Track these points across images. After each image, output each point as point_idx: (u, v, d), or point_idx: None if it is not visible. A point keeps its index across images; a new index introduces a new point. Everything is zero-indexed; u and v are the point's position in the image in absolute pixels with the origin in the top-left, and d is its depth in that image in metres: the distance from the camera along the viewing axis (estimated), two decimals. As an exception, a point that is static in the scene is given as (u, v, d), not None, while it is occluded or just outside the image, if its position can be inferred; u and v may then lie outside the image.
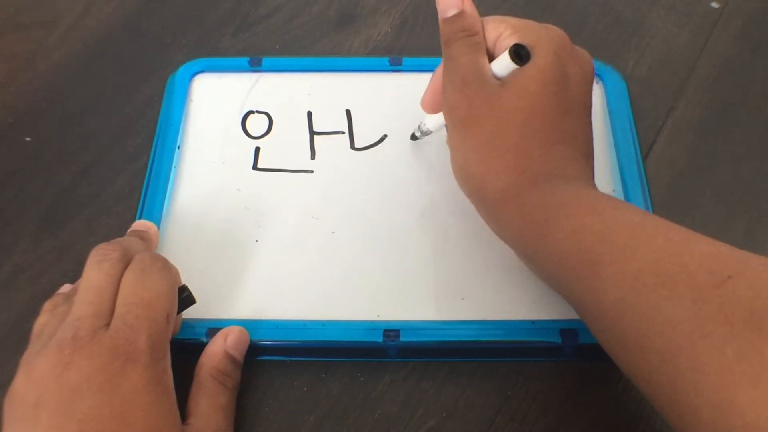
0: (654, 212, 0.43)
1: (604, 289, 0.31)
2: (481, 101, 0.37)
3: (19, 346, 0.34)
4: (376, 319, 0.39)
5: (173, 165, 0.45)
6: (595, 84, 0.43)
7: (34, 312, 0.36)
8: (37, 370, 0.31)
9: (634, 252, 0.31)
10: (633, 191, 0.44)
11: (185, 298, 0.36)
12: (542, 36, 0.37)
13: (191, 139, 0.47)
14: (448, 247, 0.42)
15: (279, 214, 0.44)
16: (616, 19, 0.55)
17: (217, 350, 0.37)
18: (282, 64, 0.51)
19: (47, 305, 0.36)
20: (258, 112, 0.48)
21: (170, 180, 0.45)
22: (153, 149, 0.46)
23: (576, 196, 0.35)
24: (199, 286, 0.37)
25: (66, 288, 0.38)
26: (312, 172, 0.45)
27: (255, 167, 0.46)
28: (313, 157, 0.46)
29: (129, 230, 0.41)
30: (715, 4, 0.55)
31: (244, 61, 0.50)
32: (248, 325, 0.39)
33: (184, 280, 0.37)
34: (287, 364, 0.39)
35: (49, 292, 0.38)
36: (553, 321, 0.39)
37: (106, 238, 0.37)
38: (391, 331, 0.38)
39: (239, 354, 0.38)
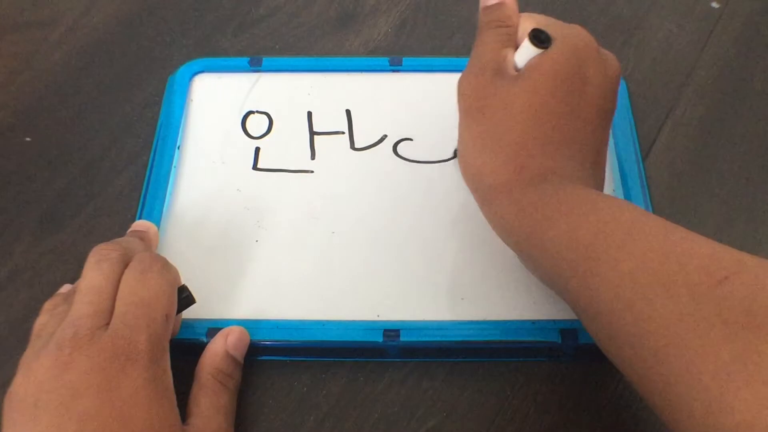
0: (654, 212, 0.43)
1: (599, 287, 0.31)
2: (491, 92, 0.36)
3: (19, 346, 0.34)
4: (376, 319, 0.39)
5: (173, 165, 0.45)
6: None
7: (34, 312, 0.36)
8: (36, 370, 0.31)
9: (631, 250, 0.30)
10: (633, 191, 0.44)
11: (185, 298, 0.36)
12: (564, 34, 0.37)
13: (191, 139, 0.47)
14: (448, 247, 0.42)
15: (279, 214, 0.44)
16: (616, 19, 0.55)
17: (217, 350, 0.37)
18: (282, 64, 0.51)
19: (47, 305, 0.36)
20: (258, 112, 0.48)
21: (170, 180, 0.45)
22: (153, 149, 0.46)
23: (573, 194, 0.34)
24: (199, 286, 0.37)
25: (66, 288, 0.38)
26: (312, 172, 0.45)
27: (255, 167, 0.46)
28: (313, 157, 0.46)
29: (129, 230, 0.41)
30: (715, 4, 0.55)
31: (244, 61, 0.50)
32: (248, 325, 0.39)
33: (184, 280, 0.37)
34: (287, 364, 0.39)
35: (49, 292, 0.38)
36: (553, 321, 0.39)
37: (106, 238, 0.37)
38: (391, 331, 0.38)
39: (240, 354, 0.38)
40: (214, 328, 0.38)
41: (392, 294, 0.40)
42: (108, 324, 0.33)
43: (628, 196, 0.43)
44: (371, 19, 0.55)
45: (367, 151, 0.46)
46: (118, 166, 0.47)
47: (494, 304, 0.40)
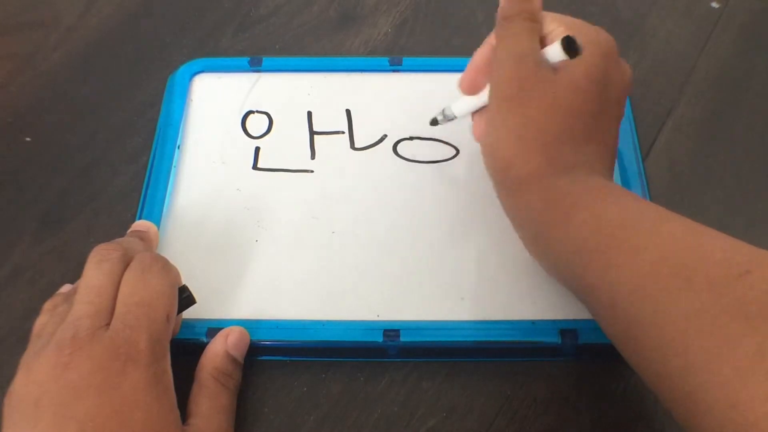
0: (654, 212, 0.43)
1: (619, 277, 0.31)
2: (533, 80, 0.37)
3: (19, 346, 0.34)
4: (376, 319, 0.39)
5: (173, 165, 0.45)
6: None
7: (34, 312, 0.36)
8: (36, 370, 0.31)
9: (653, 242, 0.31)
10: (633, 191, 0.44)
11: (185, 299, 0.36)
12: (594, 38, 0.38)
13: (191, 139, 0.47)
14: (448, 248, 0.42)
15: (279, 214, 0.44)
16: (616, 19, 0.55)
17: (218, 351, 0.37)
18: (282, 64, 0.51)
19: (47, 305, 0.36)
20: (258, 111, 0.48)
21: (170, 180, 0.45)
22: (153, 149, 0.46)
23: (599, 186, 0.35)
24: (199, 286, 0.37)
25: (66, 288, 0.38)
26: (312, 171, 0.45)
27: (255, 167, 0.46)
28: (313, 156, 0.46)
29: (129, 230, 0.41)
30: (715, 4, 0.55)
31: (244, 61, 0.50)
32: (248, 325, 0.39)
33: (184, 280, 0.37)
34: (287, 364, 0.39)
35: (49, 292, 0.38)
36: (553, 321, 0.39)
37: (106, 238, 0.37)
38: (391, 331, 0.38)
39: (240, 354, 0.38)
40: (214, 328, 0.38)
41: (392, 294, 0.40)
42: (108, 324, 0.33)
43: (628, 196, 0.43)
44: (371, 19, 0.55)
45: (367, 150, 0.46)
46: (118, 166, 0.47)
47: (494, 304, 0.40)
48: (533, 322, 0.39)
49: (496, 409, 0.38)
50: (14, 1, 0.56)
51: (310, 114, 0.48)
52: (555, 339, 0.38)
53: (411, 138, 0.47)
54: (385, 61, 0.50)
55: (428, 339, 0.39)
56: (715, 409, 0.27)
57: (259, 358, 0.39)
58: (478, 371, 0.39)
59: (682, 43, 0.53)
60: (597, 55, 0.37)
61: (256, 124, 0.48)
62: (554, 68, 0.37)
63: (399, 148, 0.46)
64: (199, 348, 0.37)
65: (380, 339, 0.38)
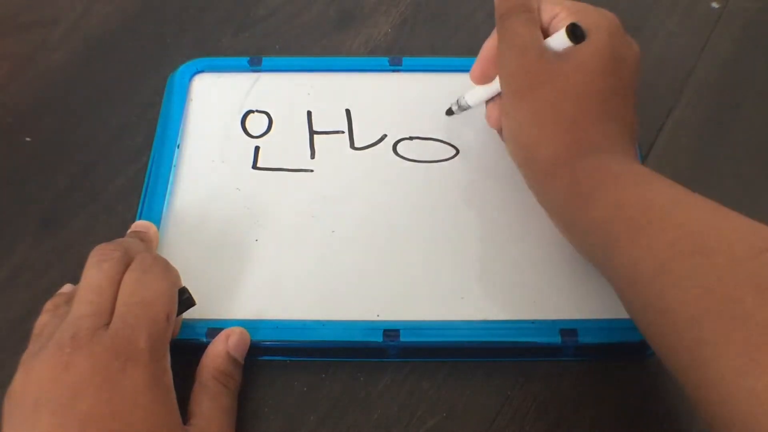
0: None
1: (642, 255, 0.32)
2: (540, 70, 0.38)
3: (19, 346, 0.34)
4: (376, 319, 0.39)
5: (173, 165, 0.45)
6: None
7: (34, 312, 0.36)
8: (36, 370, 0.31)
9: (675, 222, 0.32)
10: (633, 191, 0.44)
11: (185, 300, 0.36)
12: (598, 19, 0.38)
13: (191, 139, 0.47)
14: (448, 247, 0.42)
15: (279, 214, 0.43)
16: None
17: (219, 351, 0.37)
18: (282, 63, 0.51)
19: (48, 305, 0.36)
20: (258, 111, 0.48)
21: (170, 179, 0.45)
22: (153, 149, 0.46)
23: (623, 168, 0.36)
24: (198, 286, 0.37)
25: (67, 288, 0.38)
26: (312, 171, 0.45)
27: (255, 166, 0.46)
28: (312, 156, 0.46)
29: (129, 231, 0.41)
30: (715, 4, 0.55)
31: (243, 60, 0.50)
32: (248, 325, 0.39)
33: (184, 280, 0.37)
34: (287, 364, 0.39)
35: (49, 292, 0.38)
36: (553, 321, 0.39)
37: (107, 238, 0.37)
38: (391, 331, 0.38)
39: (240, 355, 0.38)
40: (214, 328, 0.38)
41: (392, 294, 0.40)
42: (109, 324, 0.33)
43: (628, 196, 0.43)
44: (371, 19, 0.55)
45: (367, 150, 0.46)
46: (118, 166, 0.47)
47: (494, 304, 0.40)
48: (533, 322, 0.39)
49: (496, 409, 0.38)
50: (14, 1, 0.56)
51: (309, 114, 0.48)
52: (555, 339, 0.38)
53: (411, 138, 0.47)
54: (385, 61, 0.50)
55: (428, 339, 0.39)
56: (725, 378, 0.27)
57: (260, 358, 0.39)
58: (478, 371, 0.39)
59: (682, 43, 0.53)
60: (603, 35, 0.38)
61: (256, 123, 0.48)
62: (559, 55, 0.38)
63: (399, 147, 0.46)
64: (199, 348, 0.37)
65: (380, 339, 0.38)
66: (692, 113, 0.49)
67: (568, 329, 0.38)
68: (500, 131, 0.42)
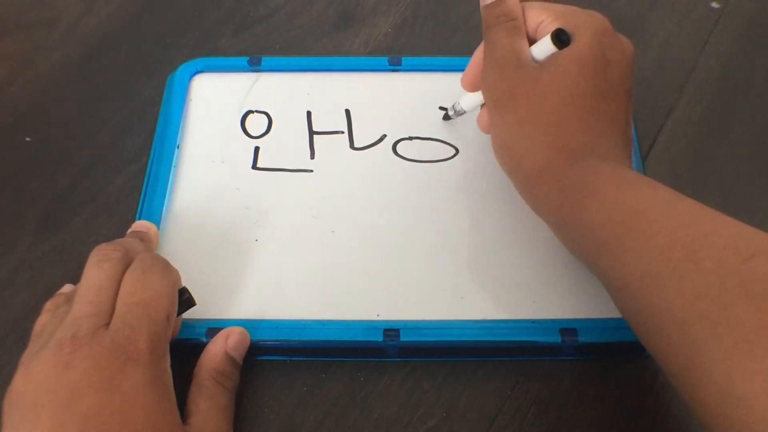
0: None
1: (631, 261, 0.32)
2: (518, 82, 0.38)
3: (19, 346, 0.34)
4: (376, 318, 0.39)
5: (173, 165, 0.45)
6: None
7: (34, 312, 0.36)
8: (36, 370, 0.31)
9: (664, 227, 0.32)
10: (633, 191, 0.44)
11: (185, 300, 0.36)
12: (584, 21, 0.38)
13: (191, 139, 0.47)
14: (448, 247, 0.42)
15: (278, 214, 0.43)
16: (616, 19, 0.54)
17: (217, 351, 0.37)
18: (281, 63, 0.51)
19: (48, 305, 0.36)
20: (257, 111, 0.48)
21: (170, 180, 0.45)
22: (153, 149, 0.46)
23: (612, 173, 0.36)
24: (198, 286, 0.37)
25: (67, 288, 0.38)
26: (311, 171, 0.45)
27: (254, 167, 0.46)
28: (312, 156, 0.46)
29: (129, 231, 0.41)
30: (715, 4, 0.55)
31: (243, 60, 0.50)
32: (248, 325, 0.39)
33: (184, 280, 0.37)
34: (287, 364, 0.39)
35: (49, 292, 0.38)
36: (553, 321, 0.39)
37: (106, 238, 0.37)
38: (391, 331, 0.38)
39: (239, 355, 0.38)
40: (213, 328, 0.38)
41: (392, 294, 0.40)
42: (109, 324, 0.33)
43: (628, 196, 0.43)
44: (371, 19, 0.55)
45: (367, 150, 0.46)
46: (118, 166, 0.47)
47: (494, 304, 0.40)
48: (533, 322, 0.39)
49: (496, 409, 0.38)
50: (14, 1, 0.56)
51: (309, 114, 0.48)
52: (555, 338, 0.38)
53: (410, 138, 0.47)
54: (384, 60, 0.50)
55: (428, 339, 0.39)
56: (714, 383, 0.27)
57: (259, 358, 0.39)
58: (478, 371, 0.39)
59: (682, 43, 0.53)
60: (587, 37, 0.37)
61: (256, 123, 0.48)
62: (542, 62, 0.38)
63: (398, 147, 0.46)
64: (198, 348, 0.37)
65: (380, 339, 0.38)
66: (692, 113, 0.49)
67: (568, 329, 0.38)
68: None
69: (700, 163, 0.47)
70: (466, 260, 0.41)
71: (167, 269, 0.36)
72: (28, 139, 0.49)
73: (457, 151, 0.46)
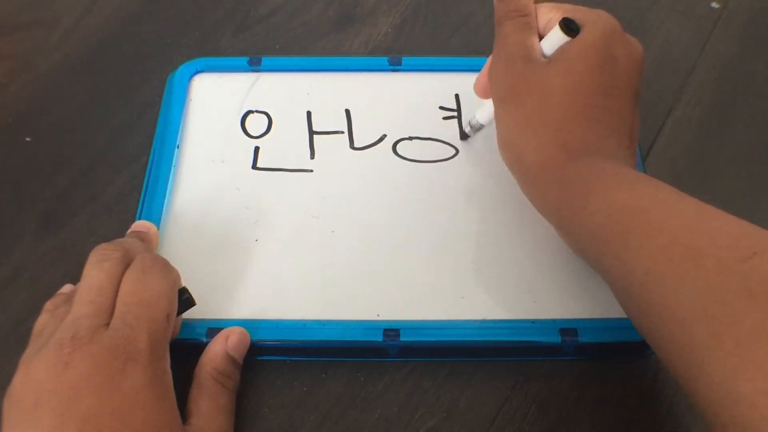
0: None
1: (633, 260, 0.32)
2: (523, 78, 0.38)
3: (19, 346, 0.34)
4: (376, 318, 0.39)
5: (173, 165, 0.45)
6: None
7: (34, 312, 0.36)
8: (36, 370, 0.31)
9: (665, 226, 0.32)
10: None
11: (185, 300, 0.36)
12: (592, 19, 0.38)
13: (191, 139, 0.47)
14: (448, 247, 0.42)
15: (278, 214, 0.43)
16: (616, 19, 0.54)
17: (218, 351, 0.37)
18: (281, 63, 0.51)
19: (48, 305, 0.36)
20: (257, 111, 0.48)
21: (170, 180, 0.45)
22: (152, 149, 0.46)
23: (613, 172, 0.36)
24: (198, 286, 0.37)
25: (68, 288, 0.38)
26: (311, 171, 0.45)
27: (254, 167, 0.46)
28: (312, 156, 0.46)
29: (128, 231, 0.41)
30: (715, 4, 0.55)
31: (243, 60, 0.50)
32: (248, 325, 0.39)
33: (184, 280, 0.37)
34: (287, 364, 0.39)
35: (49, 292, 0.38)
36: (553, 321, 0.39)
37: (106, 238, 0.37)
38: (391, 331, 0.38)
39: (240, 355, 0.38)
40: (214, 328, 0.38)
41: (392, 294, 0.40)
42: (108, 324, 0.33)
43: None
44: (371, 19, 0.55)
45: (367, 150, 0.46)
46: (118, 166, 0.47)
47: (494, 304, 0.40)
48: (533, 322, 0.39)
49: (496, 409, 0.38)
50: (14, 1, 0.56)
51: (309, 114, 0.48)
52: (555, 339, 0.38)
53: (410, 138, 0.47)
54: (384, 60, 0.50)
55: (428, 339, 0.39)
56: (715, 381, 0.27)
57: (259, 358, 0.39)
58: (478, 371, 0.39)
59: (682, 43, 0.53)
60: (594, 34, 0.37)
61: (256, 123, 0.48)
62: (549, 58, 0.38)
63: (398, 147, 0.46)
64: (199, 348, 0.37)
65: (380, 339, 0.38)
66: (692, 113, 0.49)
67: (568, 329, 0.38)
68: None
69: (700, 163, 0.47)
70: (466, 260, 0.41)
71: (167, 269, 0.36)
72: (28, 139, 0.49)
73: (457, 151, 0.46)
